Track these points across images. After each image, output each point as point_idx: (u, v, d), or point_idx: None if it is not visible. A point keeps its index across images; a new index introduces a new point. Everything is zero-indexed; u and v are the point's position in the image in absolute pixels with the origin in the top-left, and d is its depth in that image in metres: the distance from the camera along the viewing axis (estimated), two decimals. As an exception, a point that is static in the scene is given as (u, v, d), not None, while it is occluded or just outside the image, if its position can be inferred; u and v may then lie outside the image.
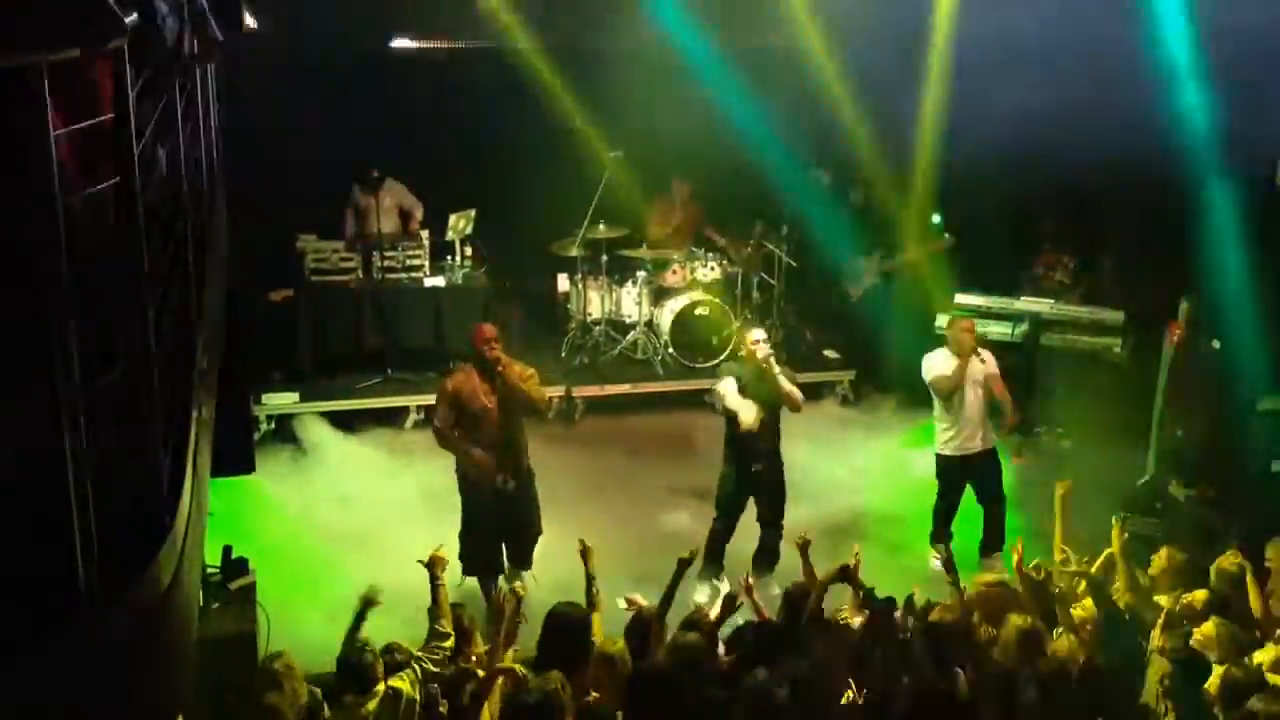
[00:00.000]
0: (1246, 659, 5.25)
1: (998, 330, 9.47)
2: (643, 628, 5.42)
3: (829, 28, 10.52)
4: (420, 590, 5.57)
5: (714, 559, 7.39)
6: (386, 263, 10.18)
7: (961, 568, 6.05)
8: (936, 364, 7.76)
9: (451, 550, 6.50)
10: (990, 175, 9.54)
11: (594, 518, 7.90)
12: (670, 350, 10.49)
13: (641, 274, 10.69)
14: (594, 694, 4.85)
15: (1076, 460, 9.01)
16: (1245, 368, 8.19)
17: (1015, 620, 5.44)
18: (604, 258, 10.53)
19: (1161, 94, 9.11)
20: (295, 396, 9.64)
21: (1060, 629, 5.75)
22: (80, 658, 2.11)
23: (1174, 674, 5.28)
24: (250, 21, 8.53)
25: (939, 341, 8.11)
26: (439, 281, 10.33)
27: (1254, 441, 7.98)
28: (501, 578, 7.16)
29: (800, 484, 7.94)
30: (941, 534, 7.75)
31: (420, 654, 5.20)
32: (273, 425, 9.51)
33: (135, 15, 2.47)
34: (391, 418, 9.85)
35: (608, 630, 5.48)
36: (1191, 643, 5.30)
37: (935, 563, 6.74)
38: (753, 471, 7.32)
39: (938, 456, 7.84)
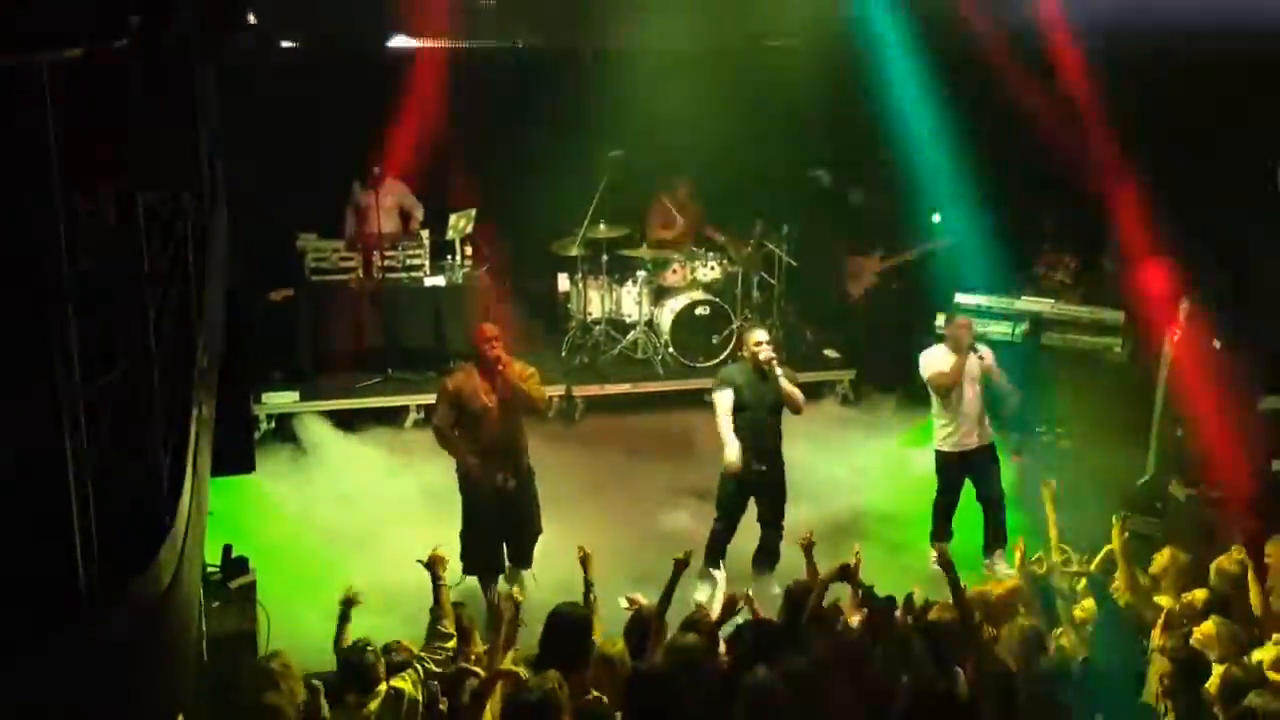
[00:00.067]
0: (1247, 657, 5.25)
1: (998, 330, 9.45)
2: (642, 627, 5.43)
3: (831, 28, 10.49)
4: (420, 590, 5.57)
5: (714, 560, 7.40)
6: (387, 262, 10.17)
7: (963, 568, 6.04)
8: (934, 360, 7.76)
9: (451, 549, 6.51)
10: (991, 174, 9.52)
11: (594, 517, 7.91)
12: (670, 350, 10.47)
13: (641, 273, 10.67)
14: (593, 693, 4.85)
15: (1076, 460, 8.99)
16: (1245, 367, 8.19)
17: (1018, 620, 5.44)
18: (604, 257, 10.50)
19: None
20: (295, 396, 9.62)
21: (1060, 629, 5.75)
22: (80, 657, 2.11)
23: (1174, 673, 5.27)
24: (252, 19, 8.53)
25: (938, 340, 8.11)
26: (439, 281, 10.31)
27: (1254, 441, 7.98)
28: (501, 579, 7.16)
29: (800, 484, 7.93)
30: (942, 532, 7.75)
31: (422, 654, 5.21)
32: (273, 424, 9.49)
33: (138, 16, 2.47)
34: (391, 417, 9.83)
35: (607, 631, 5.48)
36: (1192, 642, 5.31)
37: (935, 563, 6.74)
38: (754, 472, 7.33)
39: (936, 453, 7.84)
